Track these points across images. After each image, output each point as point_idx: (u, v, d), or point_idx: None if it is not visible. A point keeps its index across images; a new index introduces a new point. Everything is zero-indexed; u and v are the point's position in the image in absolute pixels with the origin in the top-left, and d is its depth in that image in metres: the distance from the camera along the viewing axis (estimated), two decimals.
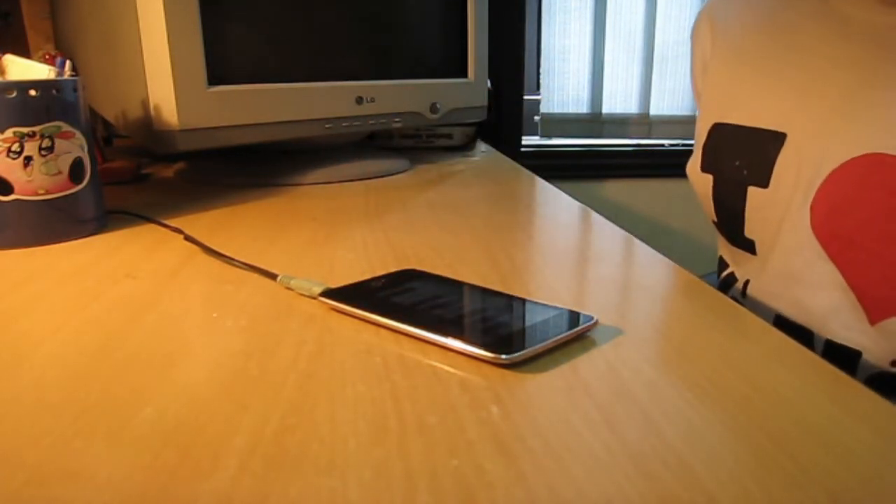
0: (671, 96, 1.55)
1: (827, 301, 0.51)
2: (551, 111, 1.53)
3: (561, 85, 1.53)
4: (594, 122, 1.55)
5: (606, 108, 1.55)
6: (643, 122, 1.56)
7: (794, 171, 0.53)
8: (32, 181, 0.49)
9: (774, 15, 0.60)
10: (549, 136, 1.55)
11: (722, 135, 0.60)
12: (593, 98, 1.54)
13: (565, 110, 1.54)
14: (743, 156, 0.57)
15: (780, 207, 0.54)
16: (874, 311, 0.48)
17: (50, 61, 0.57)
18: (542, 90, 1.53)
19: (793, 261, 0.53)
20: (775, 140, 0.54)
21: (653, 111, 1.55)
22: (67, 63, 0.57)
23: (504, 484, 0.22)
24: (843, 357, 0.50)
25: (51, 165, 0.49)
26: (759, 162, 0.55)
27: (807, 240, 0.51)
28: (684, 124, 1.55)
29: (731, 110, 0.60)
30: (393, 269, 0.43)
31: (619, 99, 1.55)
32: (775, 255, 0.55)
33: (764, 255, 0.57)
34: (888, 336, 0.48)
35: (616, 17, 1.50)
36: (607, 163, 1.55)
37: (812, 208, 0.51)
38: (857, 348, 0.49)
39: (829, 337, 0.51)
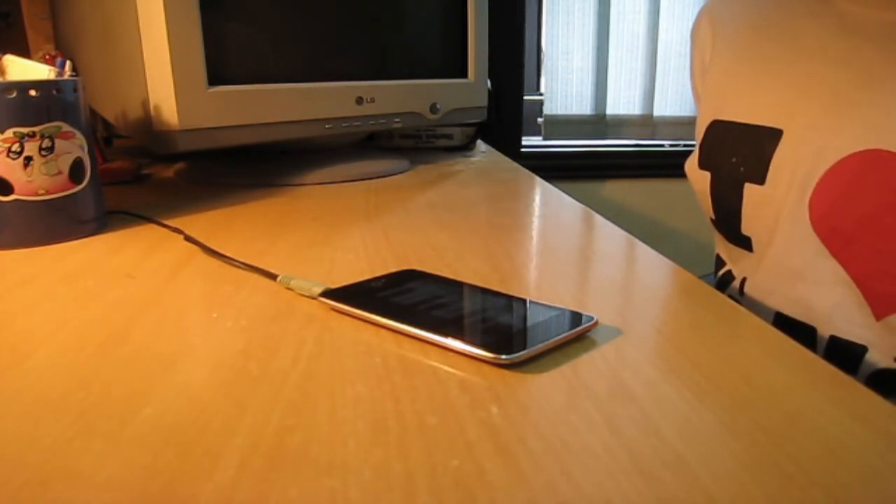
0: (676, 97, 1.54)
1: (830, 297, 0.51)
2: (555, 112, 1.53)
3: (564, 86, 1.52)
4: (598, 123, 1.55)
5: (610, 110, 1.54)
6: (647, 123, 1.56)
7: (790, 168, 0.53)
8: (32, 181, 0.49)
9: (774, 13, 0.60)
10: (553, 138, 1.55)
11: (719, 131, 0.60)
12: (597, 99, 1.54)
13: (568, 111, 1.54)
14: (740, 152, 0.57)
15: (777, 204, 0.54)
16: (879, 307, 0.48)
17: (50, 61, 0.57)
18: (545, 91, 1.53)
19: (792, 257, 0.53)
20: (772, 137, 0.54)
21: (657, 112, 1.55)
22: (67, 63, 0.57)
23: (504, 484, 0.22)
24: (847, 353, 0.50)
25: (51, 165, 0.49)
26: (755, 158, 0.55)
27: (806, 236, 0.51)
28: (690, 125, 1.55)
29: (728, 107, 0.60)
30: (393, 270, 0.43)
31: (623, 100, 1.54)
32: (773, 252, 0.55)
33: (761, 252, 0.57)
34: (893, 331, 0.48)
35: (619, 17, 1.50)
36: (607, 163, 1.55)
37: (810, 205, 0.51)
38: (863, 343, 0.49)
39: (834, 333, 0.51)
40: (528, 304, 0.36)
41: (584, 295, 0.39)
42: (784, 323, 0.55)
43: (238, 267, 0.44)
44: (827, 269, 0.50)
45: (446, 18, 0.88)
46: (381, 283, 0.39)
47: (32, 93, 0.48)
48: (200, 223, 0.57)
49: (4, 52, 0.54)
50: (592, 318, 0.34)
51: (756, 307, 0.58)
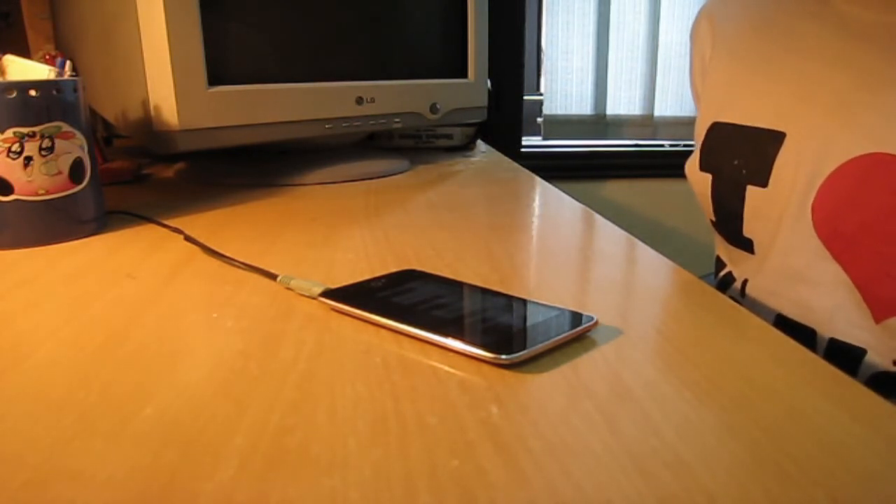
0: (676, 97, 1.54)
1: (831, 300, 0.51)
2: (554, 112, 1.53)
3: (564, 86, 1.52)
4: (598, 123, 1.55)
5: (611, 110, 1.54)
6: (647, 123, 1.55)
7: (792, 171, 0.53)
8: (32, 181, 0.49)
9: (774, 14, 0.60)
10: (552, 138, 1.55)
11: (721, 134, 0.60)
12: (597, 99, 1.54)
13: (568, 111, 1.54)
14: (742, 155, 0.57)
15: (779, 206, 0.54)
16: (879, 310, 0.48)
17: (50, 61, 0.57)
18: (545, 91, 1.53)
19: (793, 260, 0.53)
20: (774, 139, 0.54)
21: (657, 112, 1.55)
22: (67, 63, 0.57)
23: (504, 484, 0.22)
24: (847, 355, 0.50)
25: (51, 166, 0.49)
26: (758, 161, 0.55)
27: (808, 239, 0.51)
28: (690, 125, 1.54)
29: (730, 109, 0.60)
30: (393, 270, 0.43)
31: (623, 100, 1.54)
32: (774, 254, 0.55)
33: (762, 255, 0.57)
34: (893, 334, 0.48)
35: (620, 17, 1.50)
36: (607, 163, 1.55)
37: (813, 208, 0.51)
38: (862, 346, 0.49)
39: (834, 335, 0.51)
40: (527, 305, 0.36)
41: (584, 295, 0.39)
42: (784, 325, 0.55)
43: (238, 267, 0.44)
44: (828, 271, 0.50)
45: (446, 18, 0.88)
46: (381, 283, 0.39)
47: (32, 93, 0.48)
48: (200, 223, 0.57)
49: (4, 52, 0.54)
50: (592, 319, 0.34)
51: (757, 309, 0.58)
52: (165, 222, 0.56)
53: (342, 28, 0.77)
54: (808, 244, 0.51)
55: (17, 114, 0.47)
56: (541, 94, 1.57)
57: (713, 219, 0.63)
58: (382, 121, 0.81)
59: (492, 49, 0.95)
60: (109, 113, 0.75)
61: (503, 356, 0.30)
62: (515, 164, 0.91)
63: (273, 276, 0.41)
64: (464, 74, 0.90)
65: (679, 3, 1.50)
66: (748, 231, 0.58)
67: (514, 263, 0.45)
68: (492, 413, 0.26)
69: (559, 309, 0.35)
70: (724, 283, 0.65)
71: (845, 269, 0.49)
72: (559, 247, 0.50)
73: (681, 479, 0.22)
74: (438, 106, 0.86)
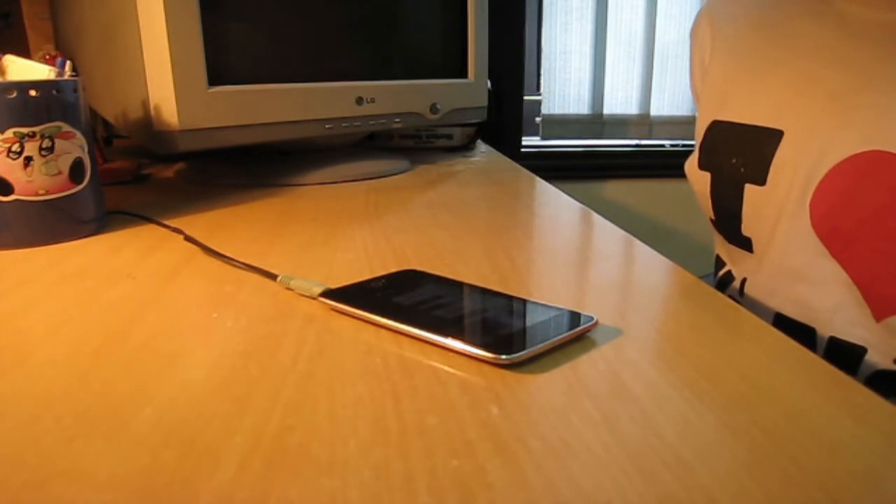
0: (672, 96, 1.55)
1: (830, 298, 0.51)
2: (552, 112, 1.53)
3: (562, 86, 1.53)
4: (595, 122, 1.55)
5: (607, 109, 1.54)
6: (644, 122, 1.56)
7: (790, 169, 0.53)
8: (33, 181, 0.49)
9: (773, 13, 0.60)
10: (550, 138, 1.55)
11: (720, 132, 0.60)
12: (594, 99, 1.54)
13: (566, 111, 1.54)
14: (740, 153, 0.57)
15: (777, 205, 0.54)
16: (879, 308, 0.48)
17: (50, 62, 0.57)
18: (542, 91, 1.53)
19: (792, 258, 0.53)
20: (772, 137, 0.54)
21: (654, 112, 1.55)
22: (68, 63, 0.57)
23: (504, 484, 0.22)
24: (847, 354, 0.50)
25: (51, 166, 0.49)
26: (756, 159, 0.55)
27: (807, 237, 0.51)
28: (685, 125, 1.55)
29: (728, 107, 0.60)
30: (393, 270, 0.43)
31: (620, 99, 1.54)
32: (773, 253, 0.55)
33: (761, 253, 0.57)
34: (893, 333, 0.48)
35: (617, 18, 1.50)
36: (607, 163, 1.55)
37: (811, 206, 0.51)
38: (863, 345, 0.49)
39: (834, 334, 0.51)
40: (527, 305, 0.36)
41: (584, 295, 0.39)
42: (784, 324, 0.55)
43: (238, 267, 0.44)
44: (827, 269, 0.50)
45: (446, 18, 0.88)
46: (381, 283, 0.39)
47: (32, 93, 0.48)
48: (200, 223, 0.57)
49: (4, 52, 0.54)
50: (592, 319, 0.34)
51: (756, 308, 0.58)
52: (165, 222, 0.56)
53: (342, 28, 0.77)
54: (807, 242, 0.51)
55: (17, 114, 0.47)
56: (540, 95, 1.57)
57: (712, 217, 0.63)
58: (382, 121, 0.81)
59: (492, 49, 0.95)
60: (109, 113, 0.75)
61: (503, 356, 0.30)
62: (515, 164, 0.91)
63: (273, 277, 0.41)
64: (464, 74, 0.90)
65: (676, 4, 1.50)
66: (747, 230, 0.58)
67: (513, 263, 0.45)
68: (492, 413, 0.26)
69: (559, 309, 0.35)
70: (724, 283, 0.65)
71: (844, 268, 0.49)
72: (559, 247, 0.50)
73: (680, 478, 0.22)
74: (438, 106, 0.86)
